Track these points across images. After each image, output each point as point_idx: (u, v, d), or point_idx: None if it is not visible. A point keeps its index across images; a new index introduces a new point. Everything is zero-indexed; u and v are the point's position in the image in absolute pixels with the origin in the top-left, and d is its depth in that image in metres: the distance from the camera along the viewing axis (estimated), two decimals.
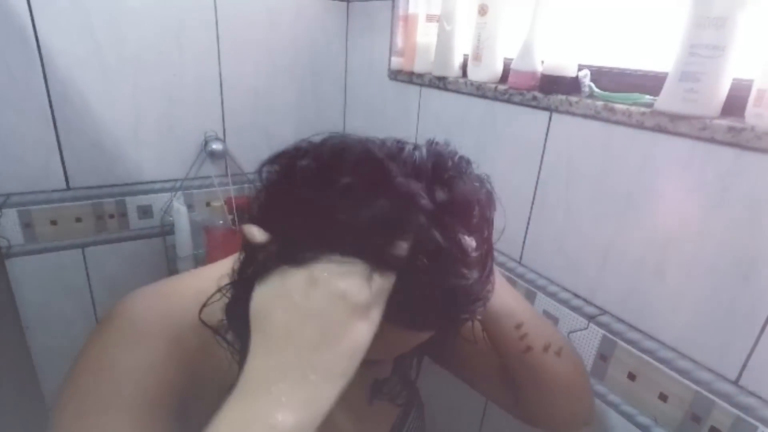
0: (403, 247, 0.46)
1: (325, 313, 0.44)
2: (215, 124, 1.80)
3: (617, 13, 1.10)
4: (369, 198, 0.47)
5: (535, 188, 1.18)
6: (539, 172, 1.17)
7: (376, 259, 0.46)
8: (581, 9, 1.05)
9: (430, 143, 0.58)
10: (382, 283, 0.46)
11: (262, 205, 0.53)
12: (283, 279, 0.45)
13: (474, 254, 0.51)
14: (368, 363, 0.48)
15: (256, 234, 0.50)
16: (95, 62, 1.54)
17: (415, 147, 0.56)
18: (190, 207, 1.82)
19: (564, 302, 1.14)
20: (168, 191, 1.79)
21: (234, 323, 0.57)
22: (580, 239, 1.09)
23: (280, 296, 0.45)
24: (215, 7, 1.67)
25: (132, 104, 1.63)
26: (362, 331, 0.45)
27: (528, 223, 1.21)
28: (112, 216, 1.73)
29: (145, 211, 1.78)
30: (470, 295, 0.51)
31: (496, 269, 0.65)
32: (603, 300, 1.05)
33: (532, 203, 1.19)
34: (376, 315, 0.46)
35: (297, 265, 0.45)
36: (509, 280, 1.27)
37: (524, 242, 1.23)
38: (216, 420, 0.41)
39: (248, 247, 0.52)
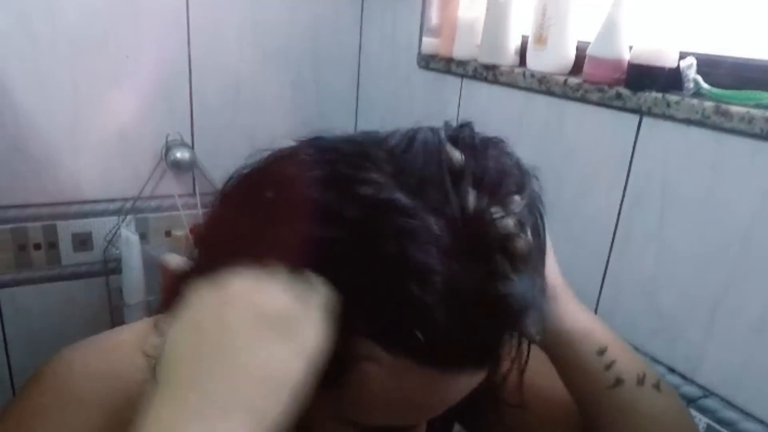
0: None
1: (225, 326, 0.46)
2: (180, 125, 1.83)
3: None
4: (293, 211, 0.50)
5: (617, 219, 1.18)
6: (623, 197, 1.17)
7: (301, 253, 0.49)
8: None
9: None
10: (311, 285, 0.48)
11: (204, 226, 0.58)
12: (196, 307, 0.48)
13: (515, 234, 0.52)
14: None
15: (172, 262, 0.53)
16: (20, 37, 1.58)
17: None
18: (143, 236, 1.84)
19: None
20: (114, 215, 1.82)
21: None
22: (679, 291, 1.08)
23: (188, 327, 0.47)
24: None
25: (69, 95, 1.68)
26: (282, 355, 0.46)
27: (606, 267, 1.21)
28: (38, 246, 1.76)
29: (83, 241, 1.81)
30: (514, 299, 0.51)
31: (558, 270, 0.67)
32: (709, 376, 1.04)
33: (613, 239, 1.19)
34: (302, 339, 0.48)
35: (213, 288, 0.48)
36: None
37: (600, 293, 1.23)
38: None
39: (173, 280, 0.56)
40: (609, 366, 0.70)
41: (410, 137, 0.54)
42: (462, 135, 0.56)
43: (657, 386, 0.74)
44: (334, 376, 0.50)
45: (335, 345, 0.48)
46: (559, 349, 0.71)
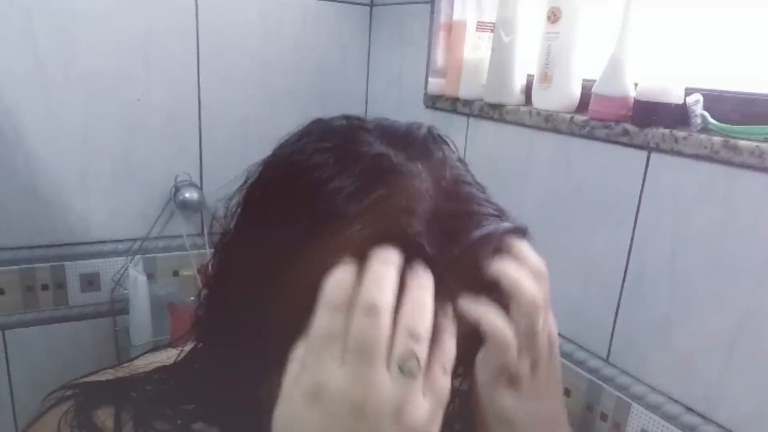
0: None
1: None
2: (189, 166, 1.84)
3: (738, 20, 1.11)
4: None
5: (628, 256, 1.17)
6: (633, 234, 1.16)
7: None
8: (688, 13, 1.07)
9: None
10: (445, 383, 0.47)
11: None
12: (311, 402, 0.46)
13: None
14: None
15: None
16: (34, 82, 1.60)
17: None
18: (151, 277, 1.83)
19: (671, 419, 1.10)
20: (122, 255, 1.81)
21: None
22: (694, 328, 1.06)
23: (310, 426, 0.46)
24: (196, 11, 1.74)
25: (80, 137, 1.68)
26: None
27: (618, 306, 1.19)
28: (45, 287, 1.75)
29: (91, 282, 1.80)
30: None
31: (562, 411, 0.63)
32: (728, 416, 1.02)
33: (624, 277, 1.18)
34: (436, 426, 0.47)
35: (332, 381, 0.46)
36: (590, 386, 1.24)
37: (613, 333, 1.21)
38: None
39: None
40: None
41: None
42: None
43: None
44: None
45: None
46: None
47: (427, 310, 0.47)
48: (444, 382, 0.47)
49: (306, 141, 0.57)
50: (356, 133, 0.56)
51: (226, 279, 0.60)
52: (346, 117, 0.59)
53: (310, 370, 0.46)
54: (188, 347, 0.66)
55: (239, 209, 0.60)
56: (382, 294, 0.46)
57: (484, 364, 0.55)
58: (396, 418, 0.45)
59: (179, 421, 0.61)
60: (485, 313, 0.52)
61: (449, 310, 0.50)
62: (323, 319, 0.46)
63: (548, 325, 0.57)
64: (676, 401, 1.10)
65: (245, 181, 0.60)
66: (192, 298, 1.83)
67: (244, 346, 0.52)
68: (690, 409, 1.08)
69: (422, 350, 0.46)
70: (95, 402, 0.61)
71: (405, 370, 0.45)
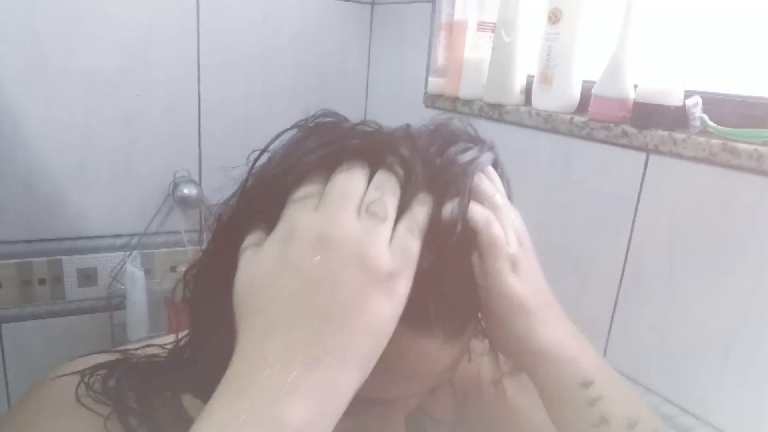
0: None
1: (338, 281, 0.48)
2: (188, 162, 1.84)
3: (738, 21, 1.12)
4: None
5: (626, 257, 1.17)
6: (631, 235, 1.16)
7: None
8: (689, 16, 1.07)
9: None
10: (408, 238, 0.51)
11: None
12: (281, 244, 0.50)
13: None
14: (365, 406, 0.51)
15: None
16: (35, 75, 1.60)
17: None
18: (148, 272, 1.83)
19: (667, 419, 1.10)
20: (120, 250, 1.82)
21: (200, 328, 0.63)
22: (690, 329, 1.06)
23: (277, 265, 0.49)
24: (197, 8, 1.74)
25: (80, 133, 1.69)
26: (383, 307, 0.49)
27: (615, 306, 1.19)
28: (43, 281, 1.75)
29: (88, 276, 1.80)
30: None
31: (541, 282, 0.64)
32: (723, 418, 1.02)
33: (621, 277, 1.18)
34: (401, 289, 0.50)
35: (319, 234, 0.50)
36: None
37: (609, 332, 1.21)
38: (200, 419, 0.44)
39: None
40: (593, 402, 0.64)
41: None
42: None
43: None
44: None
45: None
46: (538, 374, 0.65)
47: (398, 175, 0.53)
48: (410, 241, 0.51)
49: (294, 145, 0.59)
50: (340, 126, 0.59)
51: (209, 269, 0.62)
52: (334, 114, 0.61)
53: (286, 219, 0.51)
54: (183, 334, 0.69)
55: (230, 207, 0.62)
56: (362, 164, 0.52)
57: (489, 255, 0.57)
58: (358, 255, 0.48)
59: (168, 394, 0.64)
60: (481, 213, 0.57)
61: (429, 199, 0.53)
62: (304, 187, 0.52)
63: (514, 223, 0.61)
64: (671, 402, 1.10)
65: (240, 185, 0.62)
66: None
67: (224, 326, 0.54)
68: (685, 410, 1.08)
69: (389, 200, 0.51)
70: (104, 373, 0.65)
71: (370, 210, 0.50)
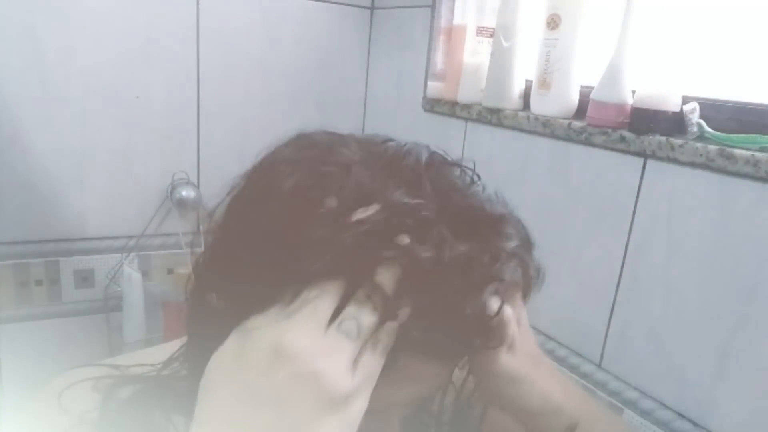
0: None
1: (288, 400, 0.46)
2: (187, 164, 1.84)
3: (736, 27, 1.12)
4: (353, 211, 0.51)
5: (623, 262, 1.17)
6: (628, 240, 1.16)
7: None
8: (687, 22, 1.08)
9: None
10: (373, 362, 0.49)
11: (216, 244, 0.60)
12: (239, 346, 0.49)
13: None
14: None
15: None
16: (34, 75, 1.60)
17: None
18: (145, 274, 1.83)
19: (663, 424, 1.11)
20: (117, 252, 1.81)
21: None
22: (687, 334, 1.06)
23: (230, 371, 0.48)
24: (197, 11, 1.75)
25: (79, 134, 1.69)
26: (334, 428, 0.47)
27: (612, 311, 1.19)
28: (39, 283, 1.75)
29: (85, 278, 1.80)
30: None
31: (532, 340, 0.67)
32: (719, 423, 1.02)
33: (618, 283, 1.18)
34: (356, 409, 0.49)
35: (261, 325, 0.49)
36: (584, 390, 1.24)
37: (606, 338, 1.21)
38: None
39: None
40: None
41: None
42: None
43: None
44: None
45: None
46: (526, 424, 0.70)
47: (381, 294, 0.49)
48: (375, 361, 0.49)
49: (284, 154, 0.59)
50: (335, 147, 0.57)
51: (210, 277, 0.61)
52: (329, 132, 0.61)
53: (251, 320, 0.49)
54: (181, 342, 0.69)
55: (224, 212, 0.61)
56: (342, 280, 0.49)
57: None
58: (314, 374, 0.46)
59: (158, 412, 0.64)
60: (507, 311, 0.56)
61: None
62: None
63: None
64: (667, 407, 1.10)
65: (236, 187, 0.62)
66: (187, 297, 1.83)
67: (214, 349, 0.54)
68: (681, 416, 1.08)
69: (366, 320, 0.48)
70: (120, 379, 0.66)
71: (342, 328, 0.47)
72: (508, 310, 0.56)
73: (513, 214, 0.59)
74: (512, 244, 0.56)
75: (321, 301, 0.48)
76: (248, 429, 0.46)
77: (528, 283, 0.61)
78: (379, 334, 0.49)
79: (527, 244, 0.59)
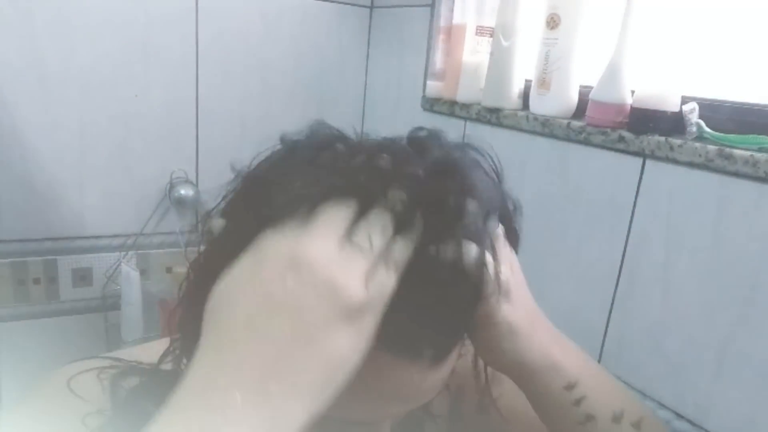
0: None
1: (303, 306, 0.47)
2: (185, 163, 1.84)
3: (735, 27, 1.12)
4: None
5: (621, 262, 1.17)
6: (627, 240, 1.16)
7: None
8: (686, 23, 1.08)
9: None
10: (386, 278, 0.49)
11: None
12: (253, 262, 0.49)
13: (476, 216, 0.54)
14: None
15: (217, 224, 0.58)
16: (32, 74, 1.60)
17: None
18: (144, 273, 1.83)
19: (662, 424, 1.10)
20: (115, 250, 1.81)
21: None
22: (686, 334, 1.07)
23: (244, 284, 0.48)
24: (196, 10, 1.74)
25: (77, 132, 1.69)
26: (347, 341, 0.47)
27: (610, 311, 1.20)
28: (37, 281, 1.75)
29: (83, 277, 1.80)
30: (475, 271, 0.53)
31: (527, 298, 0.66)
32: (718, 423, 1.02)
33: (617, 283, 1.18)
34: (368, 325, 0.49)
35: (289, 257, 0.48)
36: None
37: (605, 337, 1.21)
38: None
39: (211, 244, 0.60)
40: (578, 401, 0.68)
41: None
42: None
43: (637, 425, 0.71)
44: None
45: None
46: (524, 382, 0.69)
47: (393, 213, 0.50)
48: (387, 278, 0.49)
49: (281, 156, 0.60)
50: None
51: (201, 280, 0.62)
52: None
53: (262, 238, 0.49)
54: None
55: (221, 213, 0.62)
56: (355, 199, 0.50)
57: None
58: (330, 282, 0.46)
59: (151, 405, 0.65)
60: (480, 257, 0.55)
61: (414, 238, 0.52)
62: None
63: (504, 250, 0.60)
64: (666, 407, 1.11)
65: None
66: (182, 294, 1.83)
67: None
68: (680, 416, 1.08)
69: (377, 235, 0.49)
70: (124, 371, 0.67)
71: (354, 240, 0.48)
72: (487, 256, 0.55)
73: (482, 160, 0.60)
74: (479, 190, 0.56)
75: (336, 216, 0.49)
76: (264, 336, 0.46)
77: (510, 226, 0.61)
78: (391, 250, 0.50)
79: (497, 188, 0.60)
